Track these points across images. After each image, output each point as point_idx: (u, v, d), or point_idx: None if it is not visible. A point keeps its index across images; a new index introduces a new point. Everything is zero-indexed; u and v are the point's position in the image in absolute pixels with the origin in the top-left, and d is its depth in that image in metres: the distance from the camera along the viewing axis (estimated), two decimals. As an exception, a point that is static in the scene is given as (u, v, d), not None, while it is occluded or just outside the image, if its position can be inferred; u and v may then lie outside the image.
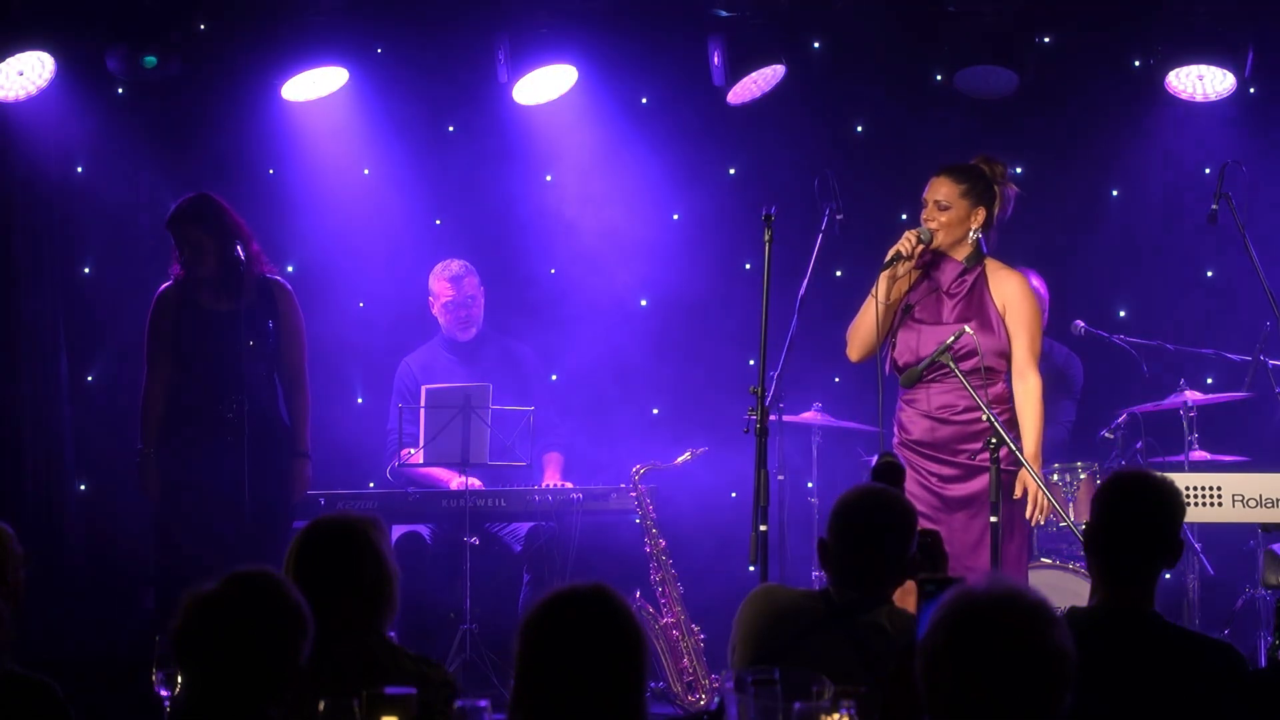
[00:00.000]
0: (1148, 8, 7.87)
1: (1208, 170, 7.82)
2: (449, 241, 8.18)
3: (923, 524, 5.47)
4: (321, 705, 2.96)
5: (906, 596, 4.03)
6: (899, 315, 6.01)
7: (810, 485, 7.80)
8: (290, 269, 8.12)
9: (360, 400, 8.38)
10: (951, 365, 5.72)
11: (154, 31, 7.61)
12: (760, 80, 7.88)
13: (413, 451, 7.23)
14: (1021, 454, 5.70)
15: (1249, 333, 7.48)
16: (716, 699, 5.69)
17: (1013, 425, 5.87)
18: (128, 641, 7.29)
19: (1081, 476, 7.31)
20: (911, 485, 5.78)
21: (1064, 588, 6.84)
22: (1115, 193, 8.48)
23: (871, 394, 5.92)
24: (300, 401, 6.91)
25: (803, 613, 3.93)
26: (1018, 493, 5.80)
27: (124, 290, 7.90)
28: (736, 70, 7.79)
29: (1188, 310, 8.22)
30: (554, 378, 8.20)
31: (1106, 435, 7.53)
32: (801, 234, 6.40)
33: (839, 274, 8.05)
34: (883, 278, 5.91)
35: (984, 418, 5.59)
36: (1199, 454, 7.30)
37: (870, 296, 5.95)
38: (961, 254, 5.99)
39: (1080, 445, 7.77)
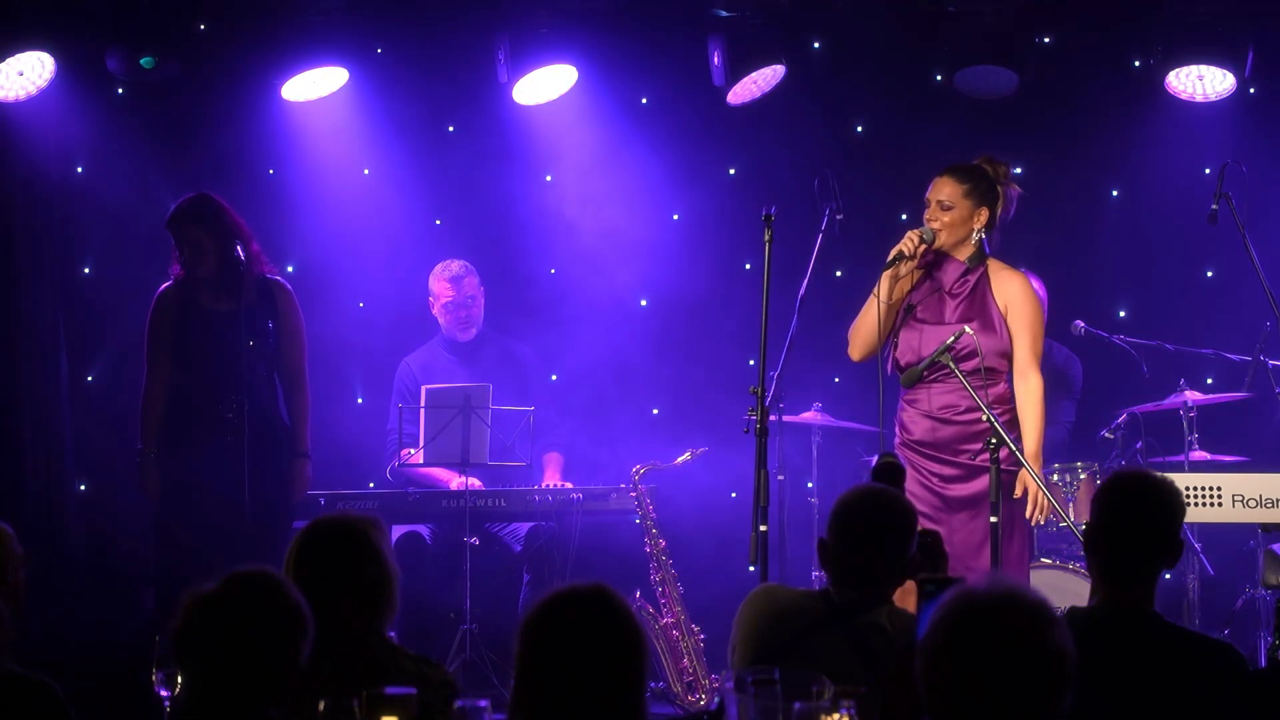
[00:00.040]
0: (1148, 8, 7.87)
1: (1208, 170, 7.82)
2: (449, 241, 8.18)
3: (924, 524, 5.48)
4: (321, 705, 2.96)
5: (906, 596, 4.03)
6: (901, 315, 6.01)
7: (810, 485, 7.80)
8: (290, 269, 8.12)
9: (360, 400, 8.38)
10: (952, 365, 5.72)
11: (154, 31, 7.62)
12: (760, 80, 7.88)
13: (413, 451, 7.23)
14: (1022, 454, 5.70)
15: (1249, 333, 7.48)
16: (716, 699, 5.69)
17: (1014, 425, 5.87)
18: (128, 641, 7.28)
19: (1081, 476, 7.31)
20: (913, 485, 5.79)
21: (1064, 588, 6.84)
22: (1115, 193, 8.48)
23: (872, 394, 5.91)
24: (300, 401, 6.92)
25: (803, 613, 3.93)
26: (1018, 492, 5.80)
27: (124, 290, 7.90)
28: (736, 70, 7.79)
29: (1188, 310, 8.22)
30: (554, 378, 8.20)
31: (1106, 435, 7.54)
32: (801, 234, 6.40)
33: (839, 274, 8.05)
34: (885, 277, 5.91)
35: (984, 418, 5.59)
36: (1199, 454, 7.30)
37: (872, 296, 5.94)
38: (964, 254, 5.99)
39: (1080, 445, 7.77)
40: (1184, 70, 7.74)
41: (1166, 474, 3.84)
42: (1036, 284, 7.31)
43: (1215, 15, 7.67)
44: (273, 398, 6.86)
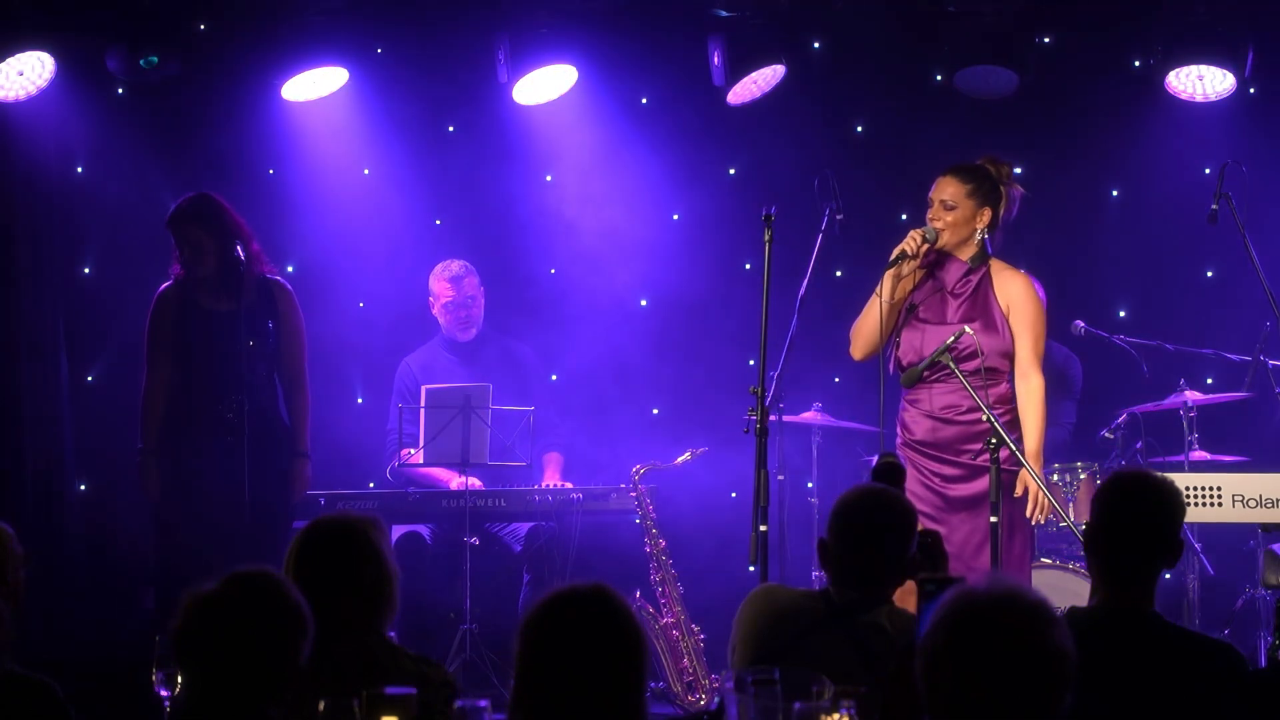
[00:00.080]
0: (1148, 8, 7.87)
1: (1208, 170, 7.82)
2: (449, 241, 8.18)
3: (926, 524, 5.50)
4: (321, 705, 2.96)
5: (906, 596, 4.03)
6: (903, 315, 6.01)
7: (810, 485, 7.80)
8: (290, 269, 8.12)
9: (360, 400, 8.38)
10: (952, 365, 5.72)
11: (154, 31, 7.61)
12: (760, 80, 7.88)
13: (413, 451, 7.23)
14: (1022, 454, 5.70)
15: (1249, 333, 7.48)
16: (716, 699, 5.69)
17: (1015, 426, 5.87)
18: (128, 641, 7.29)
19: (1081, 476, 7.31)
20: (915, 486, 5.80)
21: (1064, 588, 6.84)
22: (1115, 193, 8.48)
23: (872, 394, 5.92)
24: (300, 401, 6.92)
25: (803, 613, 3.93)
26: (1019, 491, 5.80)
27: (124, 290, 7.90)
28: (736, 70, 7.79)
29: (1188, 310, 8.22)
30: (554, 378, 8.20)
31: (1106, 435, 7.54)
32: (801, 234, 6.40)
33: (839, 274, 8.05)
34: (887, 276, 5.91)
35: (985, 418, 5.59)
36: (1199, 454, 7.30)
37: (874, 295, 5.95)
38: (966, 254, 5.99)
39: (1080, 445, 7.77)
40: (1184, 70, 7.74)
41: (1166, 474, 3.84)
42: (1035, 286, 7.32)
43: (1215, 15, 7.67)
44: (273, 398, 6.86)
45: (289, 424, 6.89)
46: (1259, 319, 7.22)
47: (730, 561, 7.12)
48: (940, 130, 8.00)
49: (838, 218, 6.16)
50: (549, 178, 8.47)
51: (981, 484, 5.76)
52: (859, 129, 8.53)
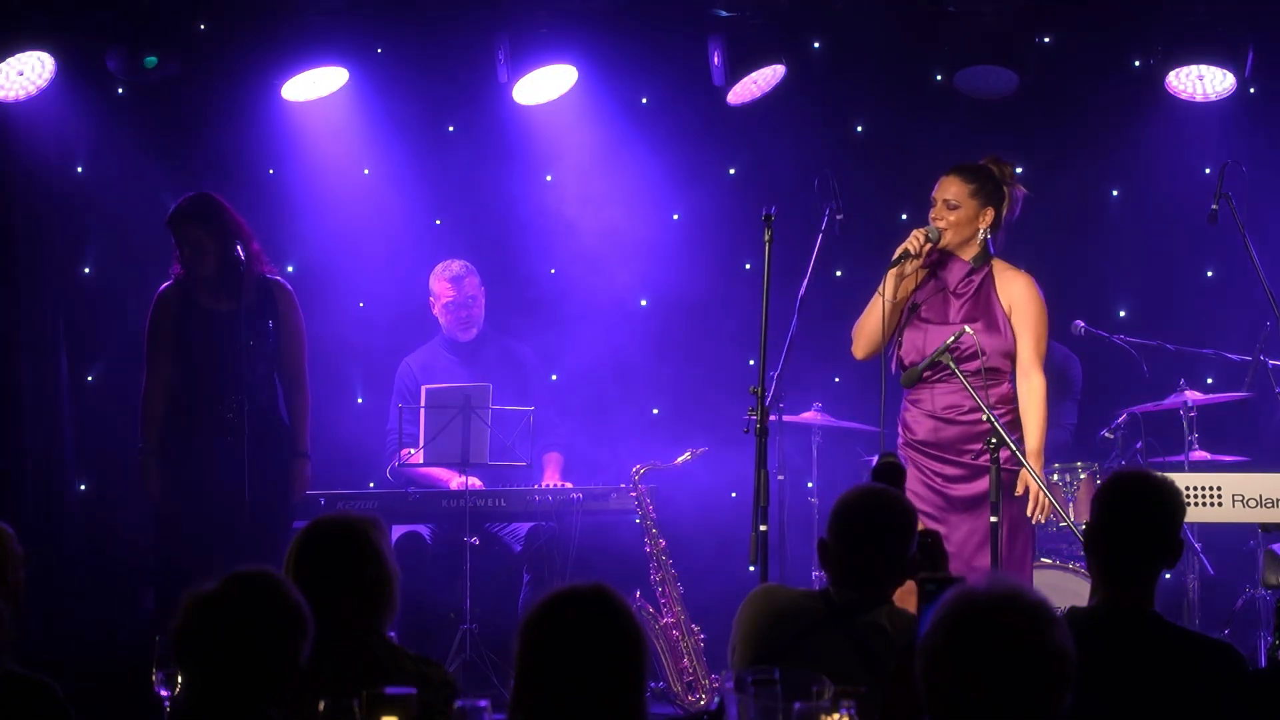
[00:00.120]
0: (1148, 8, 7.87)
1: (1208, 170, 7.82)
2: (449, 241, 8.18)
3: (928, 524, 5.51)
4: (321, 705, 2.96)
5: (906, 596, 4.03)
6: (905, 314, 6.01)
7: (810, 485, 7.80)
8: (290, 269, 8.12)
9: (360, 400, 8.38)
10: (952, 365, 5.72)
11: (154, 31, 7.61)
12: (760, 80, 7.88)
13: (413, 451, 7.23)
14: (1022, 453, 5.70)
15: (1249, 333, 7.48)
16: (716, 699, 5.69)
17: (1016, 426, 5.87)
18: (128, 641, 7.29)
19: (1081, 476, 7.31)
20: (917, 486, 5.80)
21: (1064, 588, 6.84)
22: (1115, 193, 8.48)
23: (872, 393, 5.92)
24: (300, 401, 6.92)
25: (803, 613, 3.93)
26: (1019, 490, 5.80)
27: (124, 290, 7.90)
28: (736, 70, 7.79)
29: (1188, 310, 8.21)
30: (554, 378, 8.20)
31: (1106, 435, 7.53)
32: (801, 234, 6.40)
33: (839, 274, 8.05)
34: (890, 275, 5.91)
35: (985, 418, 5.59)
36: (1199, 454, 7.30)
37: (877, 294, 5.95)
38: (969, 254, 5.99)
39: (1080, 445, 7.77)
40: (1184, 70, 7.74)
41: (1166, 474, 3.84)
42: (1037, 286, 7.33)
43: (1215, 15, 7.67)
44: (273, 398, 6.87)
45: (289, 424, 6.89)
46: (1259, 319, 7.22)
47: (730, 561, 7.12)
48: (940, 130, 8.00)
49: (838, 218, 6.16)
50: (549, 178, 8.46)
51: (983, 484, 5.76)
52: (859, 129, 8.53)
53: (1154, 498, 3.68)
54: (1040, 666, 2.47)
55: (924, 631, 2.53)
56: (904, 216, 7.62)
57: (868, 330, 6.01)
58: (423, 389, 7.30)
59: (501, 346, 7.77)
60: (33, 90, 7.56)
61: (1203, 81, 7.76)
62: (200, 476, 6.70)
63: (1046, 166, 8.11)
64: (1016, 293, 5.97)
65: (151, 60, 7.55)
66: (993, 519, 5.54)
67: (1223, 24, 7.66)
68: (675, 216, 8.49)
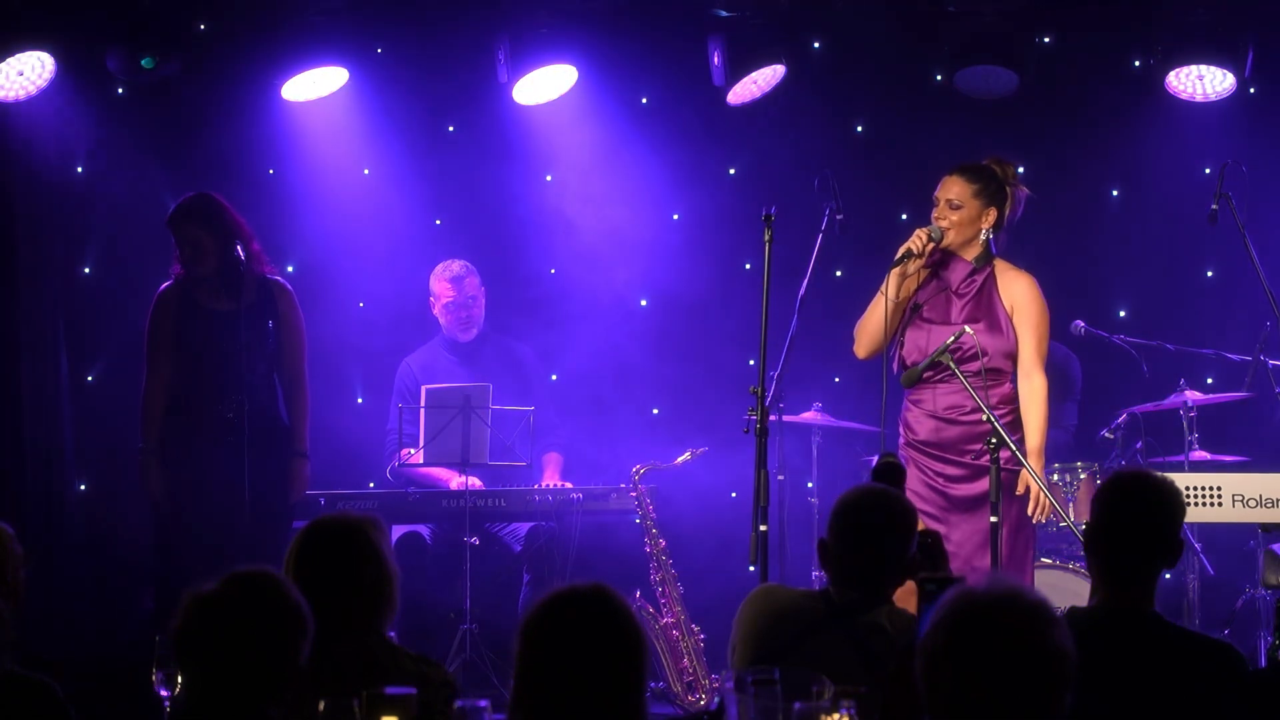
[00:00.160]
0: (1148, 8, 7.87)
1: (1208, 170, 7.82)
2: (449, 241, 8.18)
3: (929, 524, 5.50)
4: (321, 705, 2.96)
5: (907, 596, 4.03)
6: (907, 314, 6.01)
7: (810, 485, 7.80)
8: (290, 269, 8.12)
9: (360, 400, 8.38)
10: (952, 365, 5.72)
11: (154, 31, 7.61)
12: (760, 80, 7.88)
13: (413, 451, 7.23)
14: (1023, 453, 5.70)
15: (1249, 333, 7.48)
16: (716, 699, 5.69)
17: (1017, 426, 5.87)
18: (128, 641, 7.29)
19: (1081, 476, 7.31)
20: (919, 486, 5.80)
21: (1064, 588, 6.84)
22: (1115, 193, 8.48)
23: (872, 393, 5.92)
24: (300, 401, 6.92)
25: (803, 613, 3.93)
26: (1020, 490, 5.80)
27: (124, 290, 7.90)
28: (736, 70, 7.79)
29: (1188, 310, 8.22)
30: (554, 378, 8.20)
31: (1106, 435, 7.53)
32: (801, 234, 6.40)
33: (839, 274, 8.05)
34: (893, 275, 5.91)
35: (985, 418, 5.59)
36: (1199, 454, 7.30)
37: (879, 294, 5.95)
38: (971, 254, 5.99)
39: (1080, 445, 7.77)
40: (1184, 70, 7.74)
41: (1166, 474, 3.84)
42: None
43: (1215, 15, 7.67)
44: (273, 398, 6.87)
45: (289, 424, 6.89)
46: (1259, 319, 7.22)
47: (730, 561, 7.12)
48: (940, 130, 7.99)
49: (838, 218, 6.17)
50: (549, 178, 8.47)
51: (984, 484, 5.75)
52: (859, 129, 8.53)
53: (1154, 498, 3.68)
54: (1040, 666, 2.47)
55: (924, 631, 2.53)
56: (904, 216, 7.62)
57: (870, 330, 6.01)
58: (423, 389, 7.30)
59: (501, 346, 7.77)
60: (32, 90, 7.56)
61: (1203, 82, 7.76)
62: (200, 476, 6.70)
63: (1046, 167, 8.11)
64: (1018, 293, 5.97)
65: (149, 61, 7.55)
66: (993, 519, 5.54)
67: (1223, 24, 7.66)
68: (675, 216, 8.49)
